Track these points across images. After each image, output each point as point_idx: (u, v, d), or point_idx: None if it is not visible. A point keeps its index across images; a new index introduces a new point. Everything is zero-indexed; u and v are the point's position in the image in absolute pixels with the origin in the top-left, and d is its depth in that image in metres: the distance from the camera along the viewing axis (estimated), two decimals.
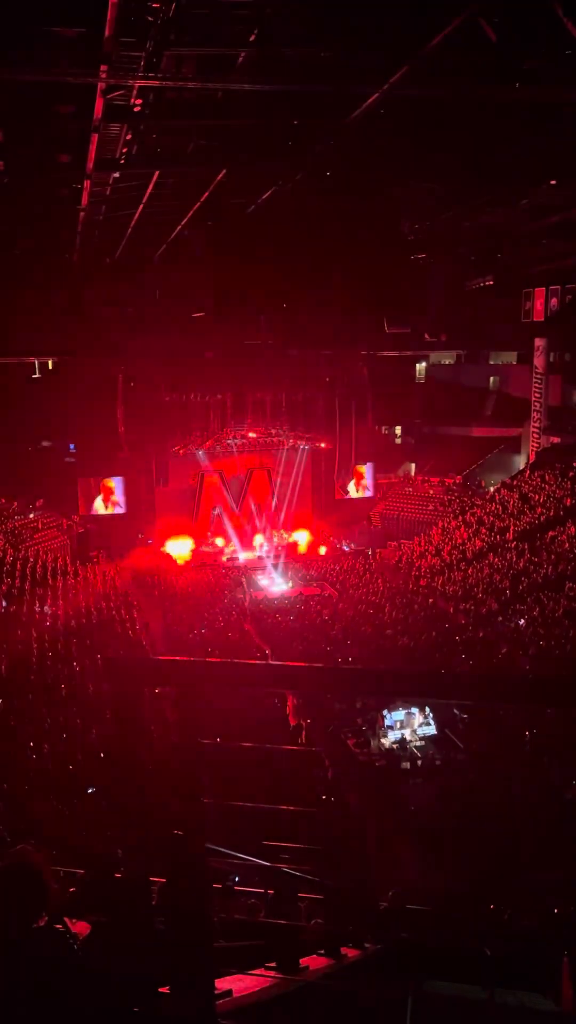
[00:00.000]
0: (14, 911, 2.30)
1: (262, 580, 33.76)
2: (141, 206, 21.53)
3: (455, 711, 19.78)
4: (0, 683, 19.85)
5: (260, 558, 37.14)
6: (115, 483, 38.13)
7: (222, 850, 3.31)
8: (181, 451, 38.35)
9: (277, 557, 36.73)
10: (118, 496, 38.19)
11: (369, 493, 42.24)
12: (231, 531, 38.74)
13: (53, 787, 15.72)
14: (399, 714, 19.56)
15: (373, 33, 11.13)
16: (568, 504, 32.80)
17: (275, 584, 33.28)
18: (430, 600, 28.72)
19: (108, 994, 2.35)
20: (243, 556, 37.22)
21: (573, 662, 22.23)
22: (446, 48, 10.87)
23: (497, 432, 43.40)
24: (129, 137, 15.23)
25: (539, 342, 38.65)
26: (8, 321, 32.10)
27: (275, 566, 35.54)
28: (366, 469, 42.05)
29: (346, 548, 38.50)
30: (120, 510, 38.24)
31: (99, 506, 38.06)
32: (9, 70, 11.41)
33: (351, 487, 41.82)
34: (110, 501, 38.14)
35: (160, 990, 2.48)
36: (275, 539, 38.69)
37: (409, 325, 36.68)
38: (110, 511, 38.03)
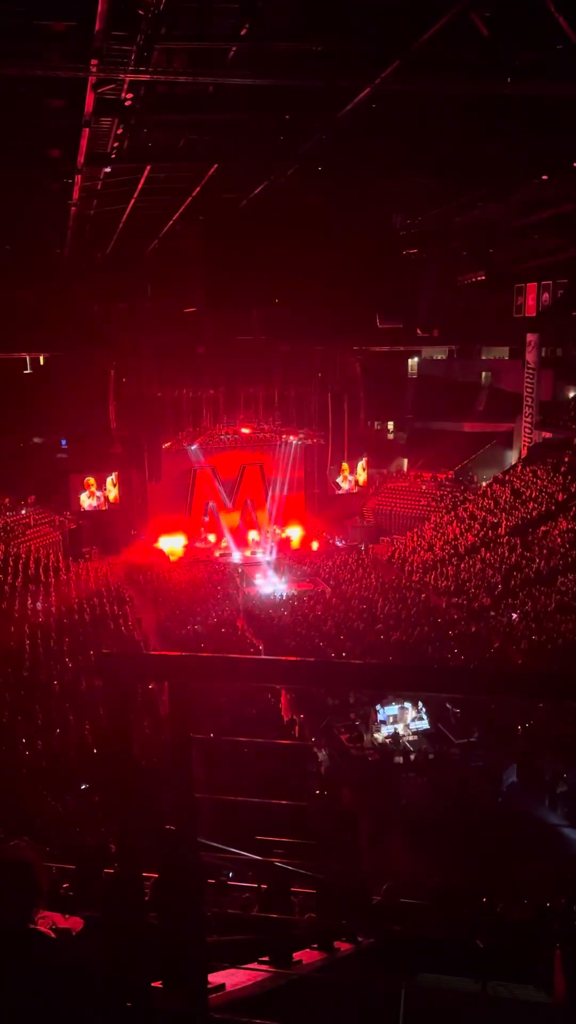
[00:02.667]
0: (7, 906, 2.29)
1: (255, 576, 33.76)
2: (132, 201, 21.46)
3: (448, 705, 19.86)
4: None
5: (253, 554, 37.15)
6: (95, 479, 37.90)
7: (215, 845, 3.32)
8: (173, 447, 38.28)
9: (270, 553, 36.75)
10: (99, 491, 37.88)
11: (362, 481, 42.21)
12: (224, 527, 38.73)
13: (46, 783, 15.72)
14: (392, 708, 19.61)
15: (364, 27, 11.11)
16: (560, 499, 32.89)
17: (268, 579, 33.29)
18: (422, 595, 28.78)
19: (101, 989, 2.36)
20: (236, 552, 37.20)
21: (565, 656, 22.33)
22: (437, 42, 10.86)
23: (489, 427, 43.48)
24: (120, 131, 15.16)
25: (531, 337, 38.70)
26: None
27: (268, 561, 35.55)
28: (361, 463, 42.09)
29: (339, 543, 38.53)
30: (98, 503, 37.98)
31: (84, 500, 37.80)
32: None
33: (340, 479, 41.86)
34: (93, 495, 37.86)
35: (153, 985, 2.48)
36: (268, 535, 38.68)
37: (401, 320, 36.67)
38: (93, 501, 37.75)
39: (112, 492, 37.79)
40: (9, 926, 2.27)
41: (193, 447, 38.66)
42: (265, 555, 36.58)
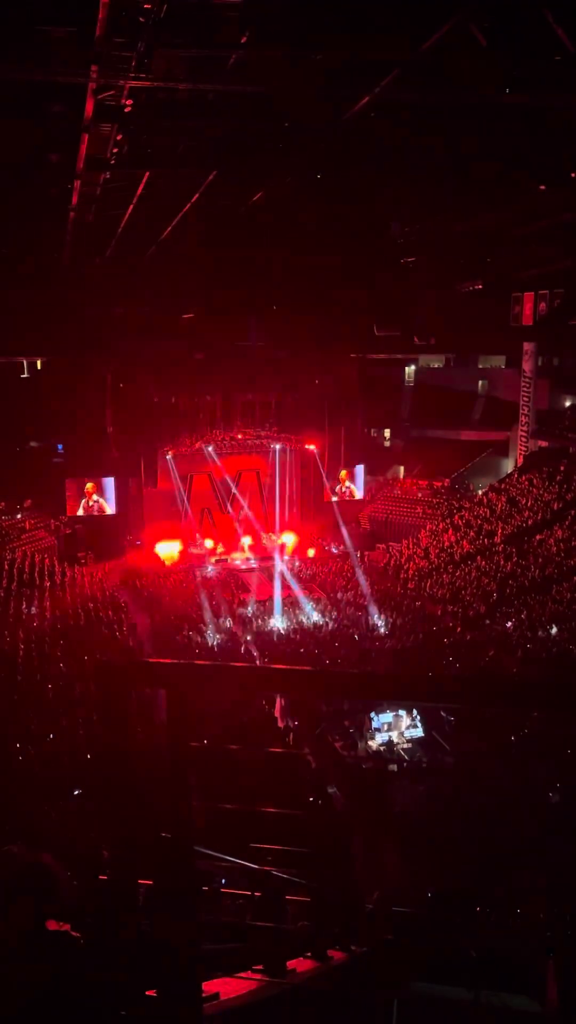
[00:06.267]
0: (29, 912, 2.28)
1: (250, 582, 33.71)
2: (131, 207, 21.47)
3: (442, 713, 19.83)
4: None
5: (248, 560, 37.11)
6: (93, 485, 37.92)
7: (209, 852, 3.31)
8: (170, 452, 38.26)
9: (265, 559, 36.70)
10: (103, 497, 37.91)
11: (359, 495, 42.25)
12: (219, 533, 38.69)
13: (39, 788, 15.66)
14: (387, 716, 19.59)
15: (364, 37, 11.15)
16: (555, 508, 32.95)
17: (263, 586, 33.24)
18: (417, 603, 28.78)
19: (94, 997, 2.35)
20: (232, 558, 37.16)
21: (559, 665, 22.33)
22: (437, 52, 10.91)
23: (485, 435, 43.58)
24: (120, 137, 15.17)
25: (528, 346, 38.84)
26: None
27: (263, 568, 35.50)
28: (359, 470, 42.12)
29: (334, 550, 38.51)
30: (105, 510, 38.01)
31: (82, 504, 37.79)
32: None
33: (338, 487, 41.91)
34: (91, 499, 37.85)
35: (146, 993, 2.48)
36: (264, 541, 38.65)
37: (398, 328, 36.75)
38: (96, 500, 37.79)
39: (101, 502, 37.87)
40: (25, 927, 2.26)
41: (189, 453, 38.67)
42: (260, 561, 36.52)
